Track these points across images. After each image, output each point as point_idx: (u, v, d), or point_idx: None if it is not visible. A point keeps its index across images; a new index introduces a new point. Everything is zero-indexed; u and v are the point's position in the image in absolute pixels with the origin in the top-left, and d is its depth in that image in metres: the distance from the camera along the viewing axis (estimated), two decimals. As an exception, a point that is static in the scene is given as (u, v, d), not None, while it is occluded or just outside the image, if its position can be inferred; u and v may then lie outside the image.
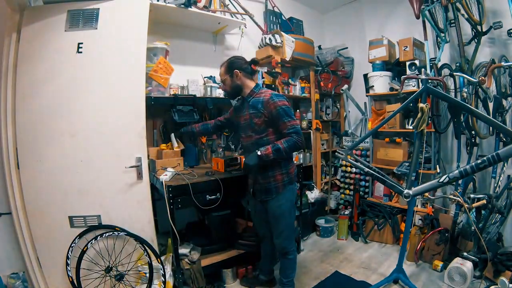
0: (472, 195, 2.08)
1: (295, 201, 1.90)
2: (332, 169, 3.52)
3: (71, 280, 1.73)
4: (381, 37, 2.95)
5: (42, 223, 1.80)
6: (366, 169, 1.93)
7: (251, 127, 1.78)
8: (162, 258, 1.91)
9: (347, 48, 3.52)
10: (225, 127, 2.21)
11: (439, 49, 2.51)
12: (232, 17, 2.65)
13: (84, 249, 1.75)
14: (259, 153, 1.66)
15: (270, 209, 1.82)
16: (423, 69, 2.34)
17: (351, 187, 3.27)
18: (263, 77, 2.70)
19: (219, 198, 1.91)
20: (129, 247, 1.86)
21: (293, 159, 1.96)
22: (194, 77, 2.46)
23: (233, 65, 1.78)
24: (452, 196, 1.98)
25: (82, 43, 1.80)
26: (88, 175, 1.82)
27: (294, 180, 1.86)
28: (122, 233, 1.81)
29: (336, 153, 2.05)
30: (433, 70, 2.37)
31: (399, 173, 2.69)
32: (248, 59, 1.86)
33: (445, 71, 2.37)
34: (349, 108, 3.41)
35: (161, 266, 1.83)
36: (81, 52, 1.80)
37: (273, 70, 2.76)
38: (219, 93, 2.48)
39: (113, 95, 1.83)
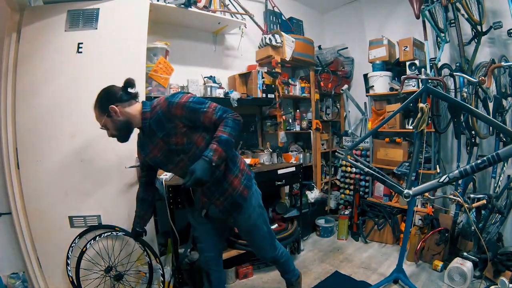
0: (472, 195, 2.08)
1: (261, 201, 1.57)
2: (332, 169, 3.52)
3: (71, 280, 1.73)
4: (381, 37, 2.94)
5: (42, 223, 1.80)
6: (366, 169, 1.93)
7: (174, 150, 1.36)
8: (162, 258, 1.91)
9: (347, 48, 3.52)
10: (153, 176, 1.60)
11: (439, 49, 2.51)
12: (232, 17, 2.65)
13: (84, 249, 1.75)
14: (210, 162, 1.21)
15: (239, 225, 1.57)
16: (423, 69, 2.33)
17: (351, 187, 3.26)
18: (263, 77, 2.70)
19: (219, 198, 1.90)
20: (129, 247, 1.86)
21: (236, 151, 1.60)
22: (194, 77, 2.46)
23: (106, 102, 1.36)
24: (452, 196, 1.97)
25: (82, 43, 1.81)
26: (88, 175, 1.82)
27: (250, 174, 1.53)
28: (121, 233, 1.82)
29: (336, 153, 2.04)
30: (433, 70, 2.36)
31: (399, 173, 2.68)
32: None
33: (445, 71, 2.37)
34: (349, 108, 3.40)
35: (161, 266, 1.83)
36: (81, 52, 1.81)
37: (273, 70, 2.75)
38: (219, 93, 2.48)
39: (113, 95, 1.83)
